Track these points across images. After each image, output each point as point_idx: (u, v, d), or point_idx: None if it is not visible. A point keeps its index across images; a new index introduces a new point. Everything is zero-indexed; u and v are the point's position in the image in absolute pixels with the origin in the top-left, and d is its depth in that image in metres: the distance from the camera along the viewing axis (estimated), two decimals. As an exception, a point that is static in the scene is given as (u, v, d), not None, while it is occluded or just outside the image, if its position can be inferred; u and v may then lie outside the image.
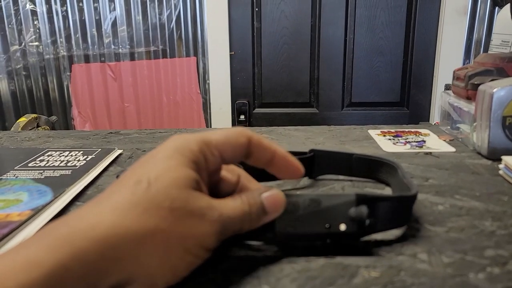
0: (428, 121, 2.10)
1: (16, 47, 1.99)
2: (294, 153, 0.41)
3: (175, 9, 1.96)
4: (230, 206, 0.25)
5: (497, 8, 1.90)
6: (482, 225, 0.31)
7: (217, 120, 2.09)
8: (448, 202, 0.36)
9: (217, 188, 0.28)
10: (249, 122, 2.13)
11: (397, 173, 0.35)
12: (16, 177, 0.41)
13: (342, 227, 0.26)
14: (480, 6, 1.91)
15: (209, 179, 0.27)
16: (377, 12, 1.99)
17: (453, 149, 0.52)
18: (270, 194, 0.26)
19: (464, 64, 1.98)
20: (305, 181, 0.42)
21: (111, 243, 0.20)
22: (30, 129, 1.64)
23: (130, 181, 0.22)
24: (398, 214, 0.29)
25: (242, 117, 2.12)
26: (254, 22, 2.02)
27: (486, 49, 1.96)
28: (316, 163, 0.41)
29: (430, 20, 1.97)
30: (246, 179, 0.29)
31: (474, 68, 0.53)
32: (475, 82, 0.51)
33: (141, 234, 0.21)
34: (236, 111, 2.11)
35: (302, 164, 0.40)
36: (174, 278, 0.23)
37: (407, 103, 2.10)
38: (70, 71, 2.02)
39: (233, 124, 2.12)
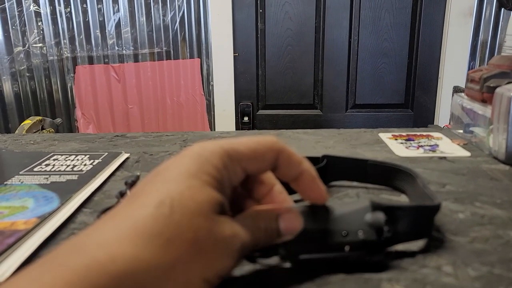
0: (433, 123, 2.08)
1: (20, 48, 1.99)
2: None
3: (179, 11, 1.95)
4: (247, 231, 0.23)
5: (503, 9, 1.89)
6: (507, 235, 0.30)
7: (221, 122, 2.08)
8: (469, 210, 0.35)
9: (238, 199, 0.27)
10: (253, 123, 2.12)
11: (415, 182, 0.34)
12: (22, 182, 0.40)
13: (360, 234, 0.25)
14: (486, 7, 1.90)
15: (232, 192, 0.25)
16: (382, 13, 1.97)
17: (468, 154, 0.51)
18: (287, 218, 0.25)
19: (469, 65, 1.96)
20: None
21: (132, 279, 0.18)
22: (34, 132, 1.63)
23: (152, 201, 0.20)
24: (420, 225, 0.27)
25: (245, 118, 2.11)
26: (258, 24, 2.01)
27: (492, 51, 1.94)
28: (329, 169, 0.40)
29: (436, 21, 1.96)
30: (278, 190, 0.27)
31: (489, 71, 0.52)
32: (491, 85, 0.50)
33: (161, 268, 0.19)
34: (240, 113, 2.10)
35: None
36: None
37: (412, 105, 2.08)
38: (74, 73, 2.02)
39: (237, 126, 2.10)
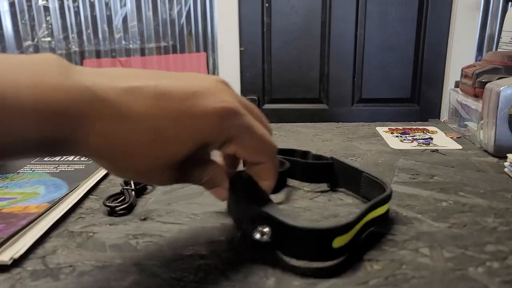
0: (439, 117, 2.09)
1: (29, 42, 2.02)
2: (317, 157, 0.40)
3: (185, 5, 1.97)
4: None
5: (510, 4, 1.88)
6: (485, 222, 0.32)
7: (227, 116, 2.10)
8: (452, 198, 0.37)
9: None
10: (259, 117, 2.14)
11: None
12: (33, 171, 0.43)
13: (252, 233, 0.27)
14: (492, 1, 1.89)
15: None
16: (388, 8, 1.97)
17: (459, 147, 0.52)
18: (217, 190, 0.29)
19: (476, 60, 1.96)
20: (325, 187, 0.40)
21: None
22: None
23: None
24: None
25: (251, 112, 2.12)
26: (264, 18, 2.02)
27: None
28: (334, 174, 0.39)
29: (442, 16, 1.96)
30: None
31: (482, 66, 0.54)
32: (483, 80, 0.51)
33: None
34: (246, 107, 2.12)
35: (322, 170, 0.39)
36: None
37: (418, 99, 2.08)
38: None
39: (243, 120, 2.12)
